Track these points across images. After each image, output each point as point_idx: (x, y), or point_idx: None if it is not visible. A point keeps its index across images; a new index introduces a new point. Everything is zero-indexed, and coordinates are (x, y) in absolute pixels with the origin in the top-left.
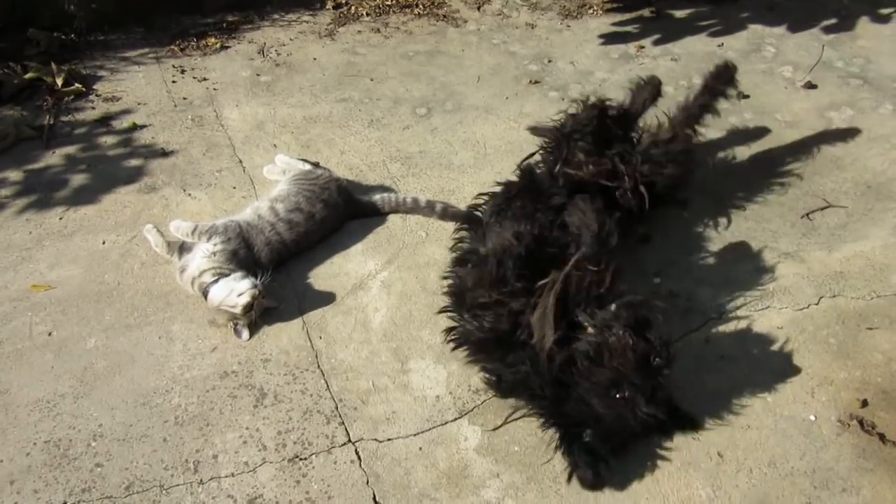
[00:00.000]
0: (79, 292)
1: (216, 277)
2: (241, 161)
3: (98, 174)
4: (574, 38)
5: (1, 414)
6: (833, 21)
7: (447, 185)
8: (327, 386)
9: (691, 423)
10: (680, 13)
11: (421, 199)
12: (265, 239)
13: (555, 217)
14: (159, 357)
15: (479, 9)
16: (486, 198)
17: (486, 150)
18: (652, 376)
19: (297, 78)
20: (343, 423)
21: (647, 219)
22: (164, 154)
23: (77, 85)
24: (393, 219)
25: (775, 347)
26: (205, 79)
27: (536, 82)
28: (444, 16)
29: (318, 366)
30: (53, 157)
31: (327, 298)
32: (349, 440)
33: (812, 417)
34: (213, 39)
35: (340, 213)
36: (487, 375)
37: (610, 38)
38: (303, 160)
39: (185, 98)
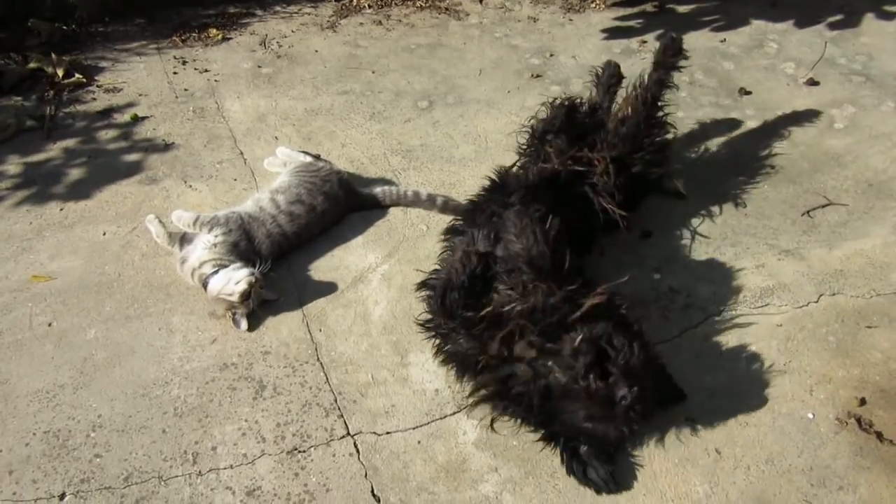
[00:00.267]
0: (79, 283)
1: (216, 269)
2: (242, 153)
3: (99, 165)
4: (576, 32)
5: (0, 404)
6: (837, 17)
7: (448, 179)
8: (326, 379)
9: (678, 396)
10: (683, 8)
11: (422, 192)
12: (266, 231)
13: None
14: (159, 348)
15: (481, 2)
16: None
17: (488, 143)
18: (621, 415)
19: (299, 70)
20: (342, 415)
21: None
22: (166, 145)
23: (78, 76)
24: (394, 212)
25: (774, 345)
26: (206, 70)
27: (538, 76)
28: (446, 8)
29: (318, 358)
30: (54, 148)
31: (327, 291)
32: (348, 433)
33: (810, 415)
34: (214, 31)
35: (341, 205)
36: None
37: (613, 33)
38: (304, 152)
39: (186, 90)
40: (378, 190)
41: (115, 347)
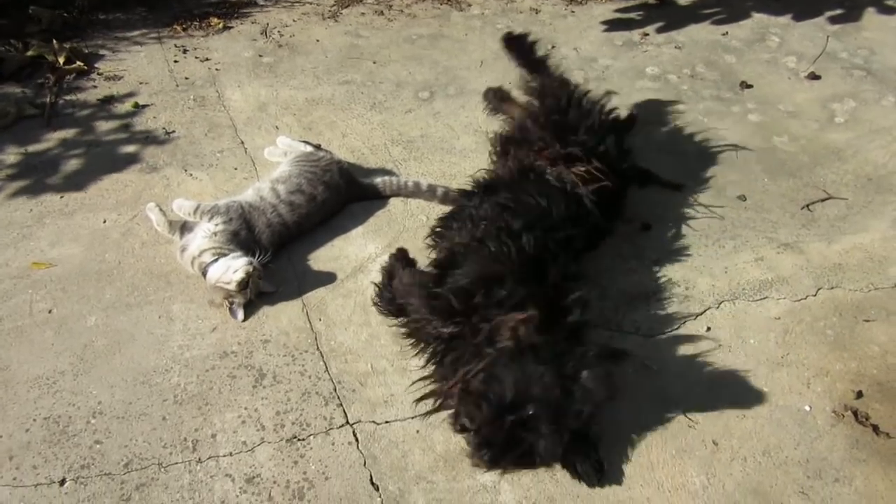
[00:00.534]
0: (79, 270)
1: (216, 257)
2: (242, 142)
3: (99, 153)
4: (578, 24)
5: (1, 390)
6: (839, 11)
7: (448, 170)
8: (326, 368)
9: (622, 354)
10: (684, 0)
11: (422, 183)
12: (266, 220)
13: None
14: (159, 336)
15: None
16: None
17: (489, 135)
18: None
19: (300, 60)
20: (341, 404)
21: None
22: (166, 134)
23: (79, 63)
24: (394, 202)
25: (772, 338)
26: (207, 59)
27: None
28: None
29: (318, 347)
30: (54, 136)
31: (327, 281)
32: (347, 422)
33: (807, 408)
34: (215, 19)
35: (342, 195)
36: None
37: (614, 25)
38: (304, 142)
39: (187, 78)
40: (378, 180)
41: (115, 335)
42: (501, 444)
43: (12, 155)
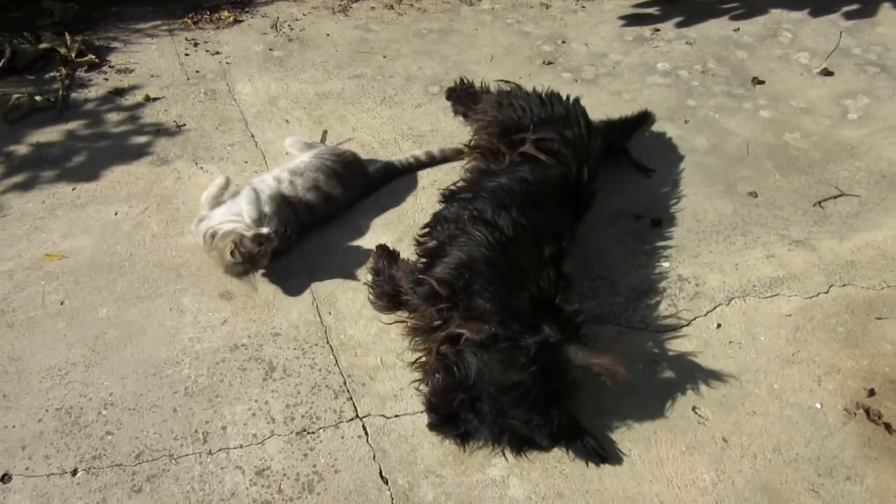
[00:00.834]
0: (91, 262)
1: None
2: (253, 136)
3: (111, 146)
4: (589, 20)
5: (13, 381)
6: (854, 7)
7: (458, 163)
8: (336, 361)
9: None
10: None
11: (419, 154)
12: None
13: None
14: (170, 328)
15: None
16: None
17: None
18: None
19: (310, 53)
20: (351, 398)
21: (657, 202)
22: (177, 127)
23: (90, 56)
24: (404, 197)
25: (783, 335)
26: (218, 52)
27: (550, 63)
28: None
29: (328, 341)
30: (66, 128)
31: (337, 274)
32: (357, 415)
33: (818, 405)
34: (226, 13)
35: (357, 191)
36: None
37: (627, 20)
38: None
39: (197, 71)
40: (380, 165)
41: (126, 326)
42: (444, 415)
43: (25, 147)
